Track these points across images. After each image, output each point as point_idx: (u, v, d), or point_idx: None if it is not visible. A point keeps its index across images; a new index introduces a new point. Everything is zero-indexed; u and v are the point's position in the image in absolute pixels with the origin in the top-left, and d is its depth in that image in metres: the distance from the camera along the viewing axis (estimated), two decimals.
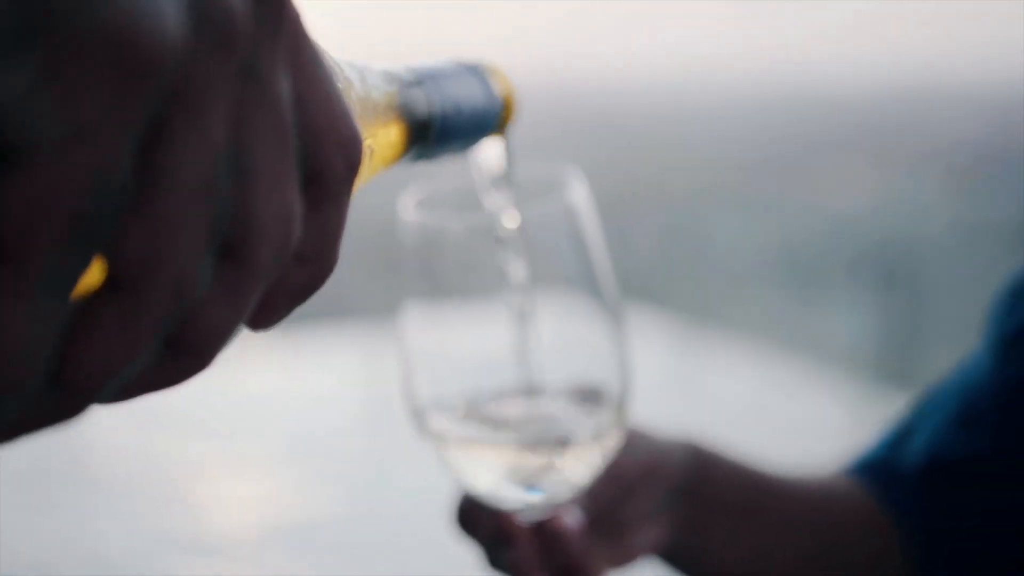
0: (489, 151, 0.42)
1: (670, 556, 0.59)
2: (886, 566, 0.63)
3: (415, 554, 2.17)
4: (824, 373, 3.35)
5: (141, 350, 0.20)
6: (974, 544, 0.61)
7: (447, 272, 0.48)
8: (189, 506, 2.47)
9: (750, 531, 0.60)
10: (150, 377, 0.22)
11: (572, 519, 0.50)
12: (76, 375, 0.19)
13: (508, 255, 0.46)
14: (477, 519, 0.51)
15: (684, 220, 7.42)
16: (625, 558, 0.55)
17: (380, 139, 0.31)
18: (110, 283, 0.20)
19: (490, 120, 0.39)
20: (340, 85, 0.27)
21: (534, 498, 0.49)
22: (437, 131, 0.35)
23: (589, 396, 0.49)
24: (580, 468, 0.49)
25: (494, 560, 0.51)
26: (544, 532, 0.50)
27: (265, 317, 0.25)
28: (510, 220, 0.46)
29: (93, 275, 0.20)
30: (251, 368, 3.32)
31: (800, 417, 2.88)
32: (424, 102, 0.34)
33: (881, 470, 0.64)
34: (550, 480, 0.49)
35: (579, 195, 0.48)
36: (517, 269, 0.46)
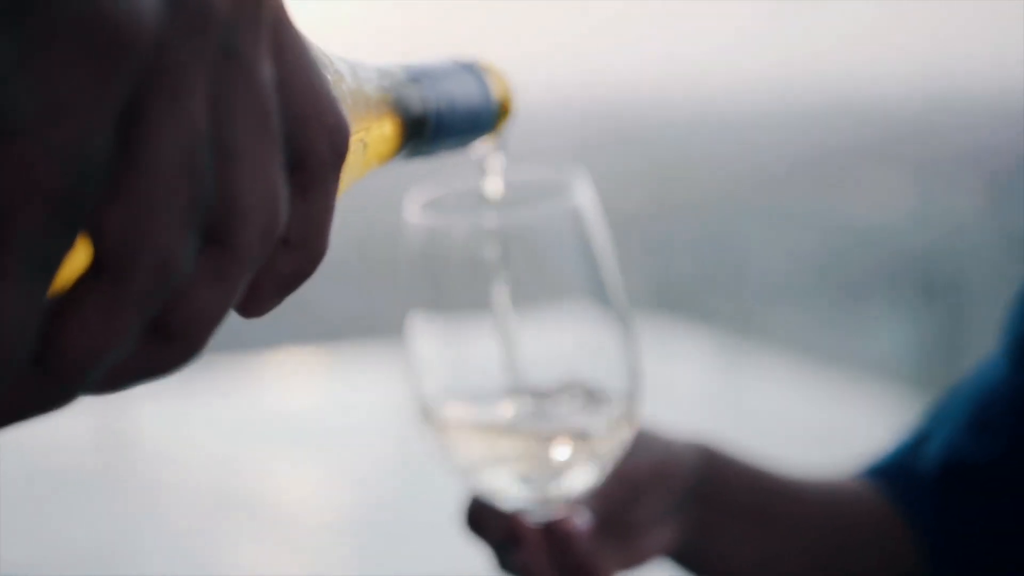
0: (487, 151, 0.43)
1: (681, 558, 0.58)
2: (899, 569, 0.62)
3: (428, 556, 2.19)
4: (865, 385, 3.31)
5: (125, 334, 0.20)
6: (988, 548, 0.61)
7: (453, 274, 0.48)
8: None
9: (761, 533, 0.60)
10: (138, 364, 0.22)
11: (581, 520, 0.50)
12: (60, 358, 0.20)
13: (512, 256, 0.46)
14: (486, 521, 0.51)
15: (721, 233, 7.37)
16: (635, 560, 0.55)
17: (373, 133, 0.31)
18: (94, 267, 0.20)
19: (486, 118, 0.39)
20: (330, 77, 0.27)
21: (543, 499, 0.49)
22: (432, 128, 0.35)
23: (598, 397, 0.49)
24: (589, 469, 0.49)
25: (504, 562, 0.51)
26: (553, 533, 0.49)
27: (255, 304, 0.25)
28: (510, 220, 0.46)
29: (80, 260, 0.20)
30: (293, 385, 3.36)
31: (840, 428, 2.84)
32: (419, 99, 0.34)
33: (897, 474, 0.64)
34: (559, 481, 0.48)
35: (585, 197, 0.48)
36: (521, 271, 0.46)
